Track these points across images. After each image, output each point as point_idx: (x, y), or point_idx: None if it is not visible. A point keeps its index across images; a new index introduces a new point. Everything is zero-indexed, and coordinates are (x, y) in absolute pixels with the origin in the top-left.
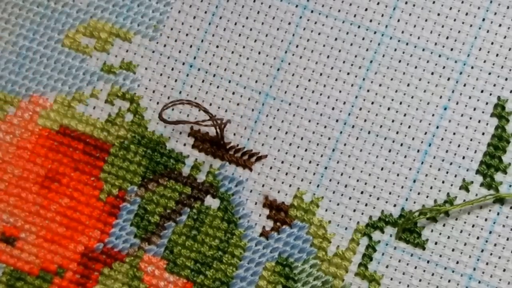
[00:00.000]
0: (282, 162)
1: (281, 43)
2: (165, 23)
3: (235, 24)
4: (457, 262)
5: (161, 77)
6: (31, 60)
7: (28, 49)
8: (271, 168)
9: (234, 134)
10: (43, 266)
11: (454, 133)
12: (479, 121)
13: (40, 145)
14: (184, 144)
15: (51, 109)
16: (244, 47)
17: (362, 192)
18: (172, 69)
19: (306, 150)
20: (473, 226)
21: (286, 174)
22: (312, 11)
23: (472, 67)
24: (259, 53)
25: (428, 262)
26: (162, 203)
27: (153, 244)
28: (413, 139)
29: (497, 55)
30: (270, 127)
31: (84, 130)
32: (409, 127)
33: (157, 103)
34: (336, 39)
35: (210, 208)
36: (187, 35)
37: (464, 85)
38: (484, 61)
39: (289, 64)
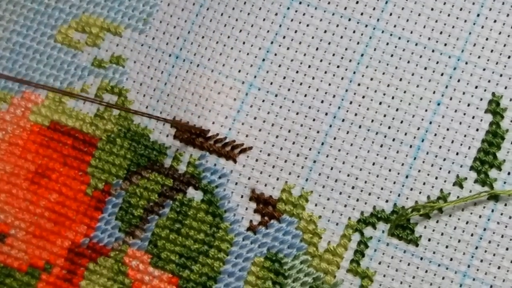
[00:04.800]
0: (269, 155)
1: (266, 34)
2: (154, 16)
3: (222, 14)
4: (451, 259)
5: (148, 69)
6: (24, 56)
7: (22, 45)
8: (257, 160)
9: (213, 123)
10: (32, 262)
11: (447, 129)
12: (473, 117)
13: (31, 141)
14: (167, 135)
15: (43, 105)
16: (229, 37)
17: (353, 187)
18: (159, 61)
19: (293, 143)
20: (467, 223)
21: (273, 167)
22: (300, 2)
23: (466, 63)
24: (244, 43)
25: (421, 259)
26: (145, 196)
27: (137, 238)
28: (405, 134)
29: (491, 50)
30: (255, 118)
31: (74, 125)
32: (402, 122)
33: (144, 95)
34: (325, 31)
35: (193, 200)
36: (174, 27)
37: (458, 80)
38: (479, 57)
39: (275, 55)
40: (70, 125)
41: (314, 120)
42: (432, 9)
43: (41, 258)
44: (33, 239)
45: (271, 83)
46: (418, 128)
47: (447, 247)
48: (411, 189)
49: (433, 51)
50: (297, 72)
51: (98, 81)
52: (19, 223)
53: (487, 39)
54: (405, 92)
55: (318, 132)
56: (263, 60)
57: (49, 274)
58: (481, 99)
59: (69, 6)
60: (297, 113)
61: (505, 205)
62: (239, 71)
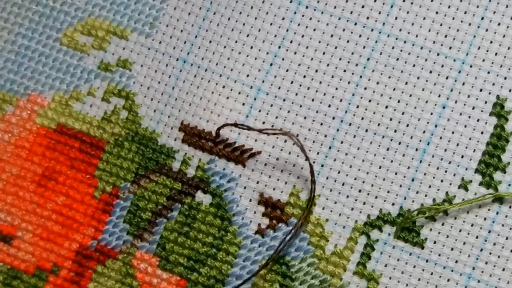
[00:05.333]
0: (277, 159)
1: (274, 38)
2: (160, 20)
3: (229, 19)
4: (456, 261)
5: (155, 73)
6: (29, 59)
7: (27, 48)
8: (265, 164)
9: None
10: (39, 265)
11: (452, 132)
12: (478, 120)
13: (37, 143)
14: (175, 139)
15: (49, 108)
16: (236, 41)
17: (360, 191)
18: (167, 65)
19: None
20: (472, 225)
21: (282, 171)
22: (307, 7)
23: (471, 66)
24: (251, 47)
25: (427, 261)
26: (153, 199)
27: (145, 241)
28: (411, 137)
29: (496, 53)
30: (264, 122)
31: (81, 128)
32: (407, 125)
33: (151, 99)
34: (332, 35)
35: (201, 204)
36: (181, 31)
37: (463, 83)
38: (483, 60)
39: (282, 59)
40: (77, 128)
41: (321, 124)
42: (437, 13)
43: (49, 260)
44: (40, 241)
45: (279, 88)
46: (424, 131)
47: (452, 249)
48: (417, 192)
49: (438, 54)
50: (304, 76)
51: (104, 84)
52: (26, 225)
53: (491, 42)
54: (410, 95)
55: (325, 136)
56: (271, 64)
57: (57, 276)
58: (485, 102)
59: (74, 9)
60: (305, 118)
61: (510, 207)
62: (247, 75)
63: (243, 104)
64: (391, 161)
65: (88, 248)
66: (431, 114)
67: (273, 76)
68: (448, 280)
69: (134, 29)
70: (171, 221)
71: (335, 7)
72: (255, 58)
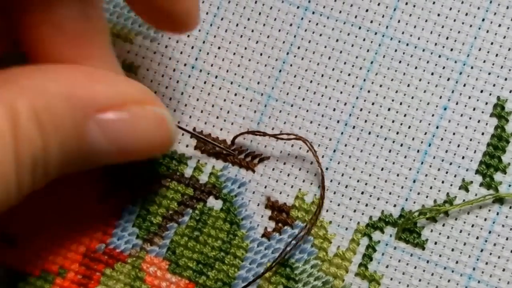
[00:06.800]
0: (284, 164)
1: (282, 45)
2: None
3: (237, 25)
4: (457, 262)
5: (162, 78)
6: None
7: None
8: (273, 169)
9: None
10: (45, 267)
11: (453, 133)
12: (478, 121)
13: None
14: (187, 146)
15: None
16: (245, 48)
17: (362, 193)
18: (174, 70)
19: (307, 151)
20: (472, 226)
21: (288, 175)
22: (313, 13)
23: (471, 67)
24: (261, 54)
25: (427, 262)
26: (164, 204)
27: (155, 245)
28: (413, 139)
29: (496, 55)
30: (273, 128)
31: None
32: (409, 127)
33: None
34: (337, 40)
35: (212, 209)
36: (188, 36)
37: (464, 85)
38: (484, 61)
39: (290, 65)
40: None
41: (326, 128)
42: (438, 15)
43: (55, 262)
44: (46, 243)
45: (287, 94)
46: (425, 133)
47: (453, 250)
48: (418, 194)
49: (439, 56)
50: (310, 81)
51: None
52: (31, 227)
53: (492, 43)
54: (412, 97)
55: (330, 139)
56: (280, 71)
57: (64, 278)
58: (486, 103)
59: None
60: (311, 122)
61: (510, 208)
62: (258, 83)
63: (255, 111)
64: (393, 163)
65: (96, 251)
66: (433, 115)
67: (282, 82)
68: (449, 281)
69: (138, 32)
70: (182, 226)
71: (340, 12)
72: (265, 65)
